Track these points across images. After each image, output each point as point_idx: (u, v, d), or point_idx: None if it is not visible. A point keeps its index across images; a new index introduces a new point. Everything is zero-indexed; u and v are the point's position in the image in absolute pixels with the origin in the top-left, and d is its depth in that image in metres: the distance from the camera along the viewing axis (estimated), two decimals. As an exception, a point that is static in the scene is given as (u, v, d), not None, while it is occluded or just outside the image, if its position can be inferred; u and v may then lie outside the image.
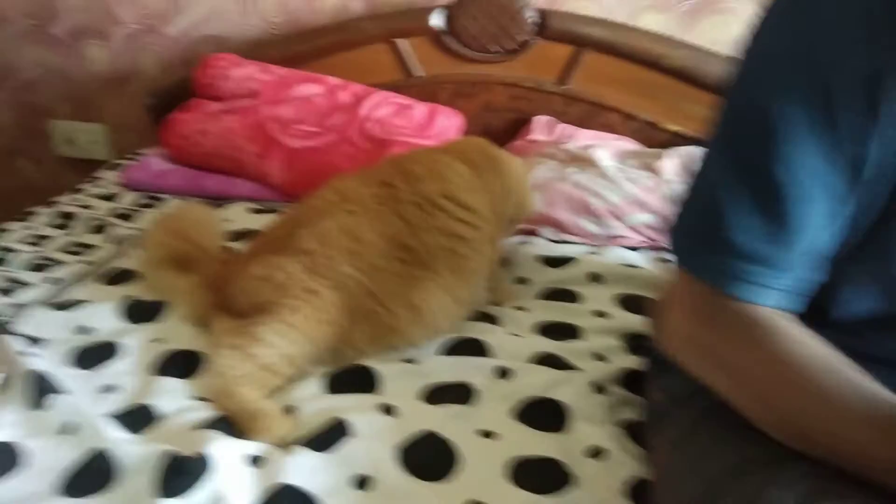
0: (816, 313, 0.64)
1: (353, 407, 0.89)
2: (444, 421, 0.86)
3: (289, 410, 0.89)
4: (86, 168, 2.19)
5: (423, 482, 0.78)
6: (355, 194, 1.06)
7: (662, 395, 0.81)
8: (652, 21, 1.72)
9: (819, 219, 0.61)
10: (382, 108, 1.64)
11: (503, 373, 0.95)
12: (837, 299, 0.65)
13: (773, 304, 0.62)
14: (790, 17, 0.61)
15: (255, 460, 0.79)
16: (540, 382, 0.93)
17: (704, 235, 0.65)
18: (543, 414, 0.88)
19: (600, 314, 1.13)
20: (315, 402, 0.91)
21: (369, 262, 1.00)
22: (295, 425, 0.87)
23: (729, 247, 0.62)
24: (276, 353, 0.92)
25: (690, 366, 0.69)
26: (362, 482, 0.77)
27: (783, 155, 0.59)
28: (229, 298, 1.04)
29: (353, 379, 0.95)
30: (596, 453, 0.81)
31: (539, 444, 0.83)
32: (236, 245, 1.30)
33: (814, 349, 0.60)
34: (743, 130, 0.63)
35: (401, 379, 0.95)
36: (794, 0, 0.62)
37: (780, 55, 0.61)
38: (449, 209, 1.06)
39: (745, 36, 0.67)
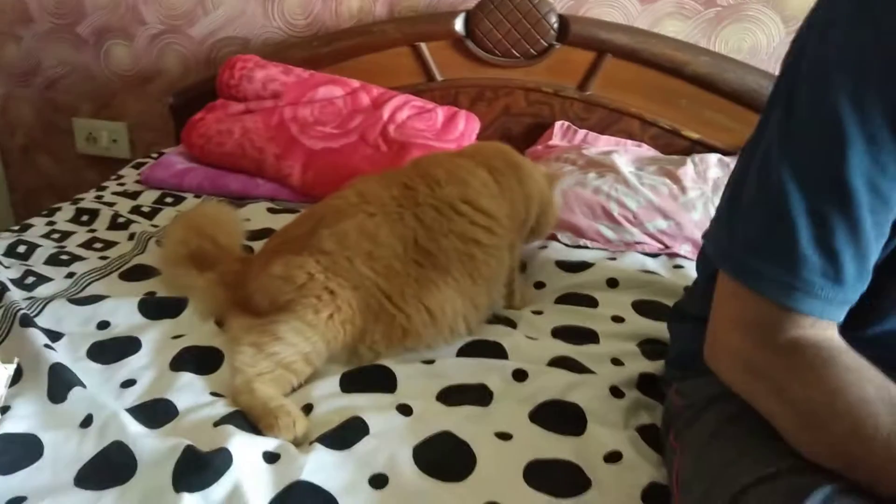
0: (853, 327, 0.63)
1: (370, 406, 0.89)
2: (461, 422, 0.86)
3: (307, 408, 0.90)
4: (106, 166, 2.22)
5: (440, 482, 0.77)
6: (376, 196, 1.06)
7: (682, 400, 0.80)
8: (674, 28, 1.72)
9: (888, 227, 0.60)
10: (403, 111, 1.65)
11: (520, 375, 0.95)
12: (878, 314, 0.64)
13: (838, 319, 0.62)
14: (857, 23, 0.59)
15: (273, 457, 0.80)
16: (557, 385, 0.92)
17: (772, 250, 0.62)
18: (560, 417, 0.87)
19: (617, 319, 1.12)
20: (333, 400, 0.91)
21: (386, 265, 1.01)
22: (312, 423, 0.87)
23: (804, 262, 0.60)
24: (295, 352, 0.93)
25: (737, 384, 0.67)
26: (379, 481, 0.77)
27: (858, 163, 0.58)
28: (248, 296, 1.04)
29: (370, 378, 0.96)
30: (612, 457, 0.81)
31: (556, 446, 0.83)
32: (255, 244, 1.31)
33: (869, 378, 0.59)
34: (814, 139, 0.61)
35: (418, 379, 0.95)
36: (861, 6, 0.60)
37: (850, 61, 0.59)
38: (468, 214, 1.06)
39: (801, 43, 0.65)
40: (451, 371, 0.97)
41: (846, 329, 0.63)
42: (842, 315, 0.62)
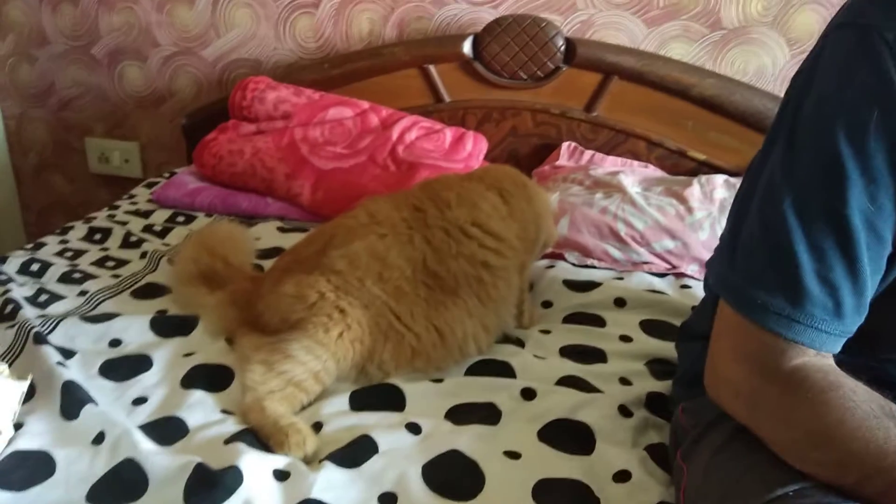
0: (862, 350, 0.65)
1: (379, 424, 0.90)
2: (470, 441, 0.86)
3: (316, 426, 0.90)
4: (118, 185, 2.24)
5: (449, 501, 0.78)
6: (386, 217, 1.07)
7: (689, 419, 0.80)
8: (680, 51, 1.74)
9: (883, 262, 0.62)
10: (412, 131, 1.67)
11: (529, 394, 0.96)
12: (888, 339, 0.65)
13: (837, 350, 0.63)
14: (855, 65, 0.61)
15: (283, 475, 0.80)
16: (565, 404, 0.93)
17: (775, 284, 0.63)
18: (569, 436, 0.88)
19: (625, 338, 1.13)
20: (342, 418, 0.92)
21: (395, 286, 1.01)
22: (322, 441, 0.87)
23: (806, 296, 0.62)
24: (305, 370, 0.94)
25: (749, 422, 0.67)
26: (388, 500, 0.78)
27: (856, 199, 0.60)
28: (258, 315, 1.05)
29: (379, 397, 0.96)
30: (621, 477, 0.81)
31: (564, 466, 0.83)
32: (265, 262, 1.32)
33: (873, 398, 0.60)
34: (815, 177, 0.62)
35: (427, 398, 0.96)
36: (858, 49, 0.61)
37: (850, 102, 0.61)
38: (477, 237, 1.07)
39: (804, 78, 0.66)
40: (459, 390, 0.98)
41: (864, 355, 0.64)
42: (839, 346, 0.64)
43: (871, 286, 0.63)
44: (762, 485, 0.62)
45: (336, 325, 0.97)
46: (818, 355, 0.64)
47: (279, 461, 0.82)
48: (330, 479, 0.79)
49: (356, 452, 0.84)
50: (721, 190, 1.50)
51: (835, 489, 0.60)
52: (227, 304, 1.11)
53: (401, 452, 0.84)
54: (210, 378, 0.99)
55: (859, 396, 0.60)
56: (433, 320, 1.02)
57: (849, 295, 0.62)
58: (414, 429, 0.89)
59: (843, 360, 0.64)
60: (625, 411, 0.92)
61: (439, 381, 1.00)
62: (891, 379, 0.64)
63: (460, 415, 0.93)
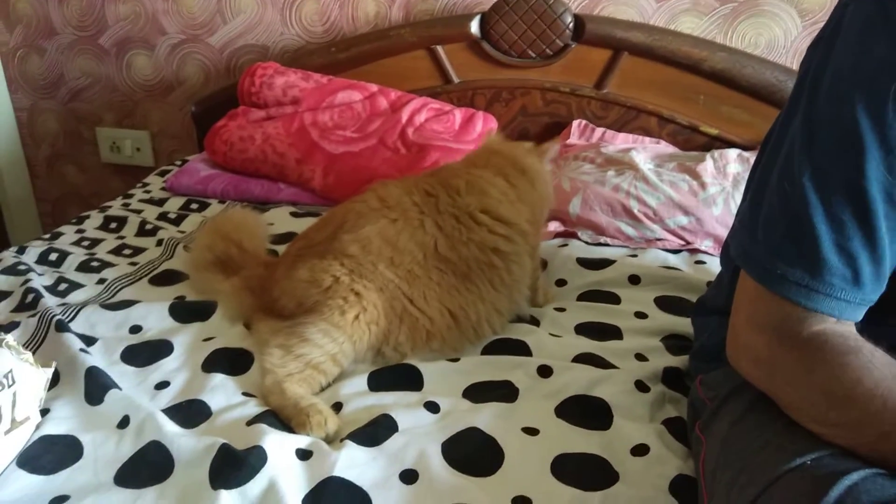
0: (883, 318, 0.65)
1: (398, 404, 0.91)
2: (488, 418, 0.87)
3: (336, 407, 0.92)
4: (130, 174, 2.26)
5: (469, 477, 0.79)
6: (397, 202, 1.08)
7: (707, 392, 0.81)
8: (690, 24, 1.72)
9: None
10: (421, 113, 1.66)
11: (545, 371, 0.96)
12: None
13: (858, 318, 0.64)
14: (871, 37, 0.61)
15: (306, 454, 0.82)
16: (582, 381, 0.93)
17: (795, 255, 0.64)
18: (586, 411, 0.89)
19: (640, 315, 1.13)
20: (361, 398, 0.93)
21: (407, 270, 1.02)
22: (342, 421, 0.89)
23: (824, 265, 0.62)
24: (322, 353, 0.95)
25: (768, 387, 0.68)
26: (409, 476, 0.79)
27: (874, 170, 0.60)
28: (273, 300, 1.06)
29: (397, 377, 0.97)
30: (639, 450, 0.82)
31: (582, 441, 0.84)
32: (279, 248, 1.33)
33: (891, 361, 0.61)
34: (833, 149, 0.63)
35: (444, 377, 0.97)
36: (873, 21, 0.61)
37: (867, 74, 0.61)
38: (487, 224, 1.07)
39: (821, 52, 0.66)
40: (476, 368, 0.98)
41: (885, 323, 0.65)
42: (860, 314, 0.65)
43: (890, 255, 0.63)
44: (780, 454, 0.63)
45: (352, 308, 0.98)
46: (838, 323, 0.64)
47: (302, 441, 0.83)
48: (352, 458, 0.80)
49: (377, 431, 0.85)
50: (734, 164, 1.49)
51: (852, 456, 0.60)
52: (243, 289, 1.12)
53: (420, 430, 0.85)
54: (230, 361, 1.01)
55: (878, 359, 0.61)
56: (446, 304, 1.03)
57: (867, 264, 0.62)
58: (432, 407, 0.90)
59: (863, 328, 0.65)
60: (641, 386, 0.93)
61: (456, 360, 1.01)
62: None
63: (478, 393, 0.93)
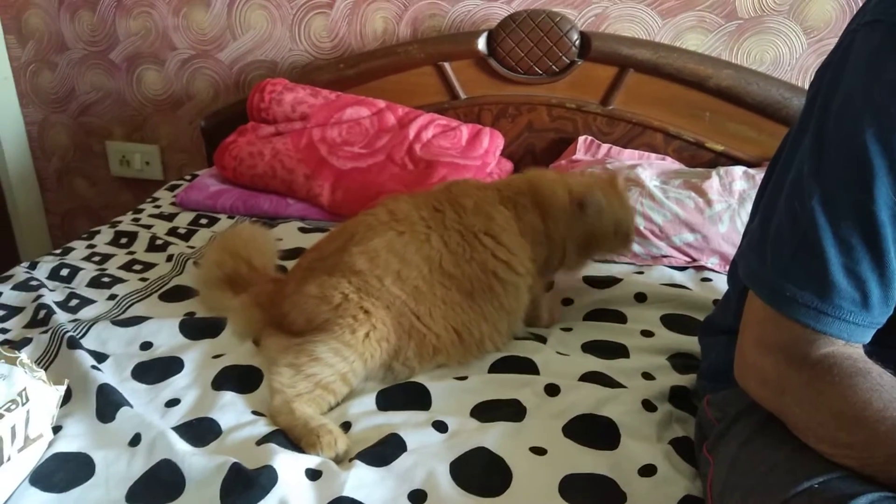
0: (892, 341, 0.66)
1: (406, 423, 0.91)
2: (496, 437, 0.88)
3: (345, 426, 0.92)
4: (140, 187, 2.28)
5: (478, 497, 0.79)
6: (405, 215, 1.09)
7: (715, 412, 0.81)
8: (696, 41, 1.74)
9: None
10: (428, 129, 1.68)
11: (553, 390, 0.97)
12: None
13: (866, 341, 0.65)
14: (879, 65, 0.62)
15: (315, 474, 0.82)
16: (589, 400, 0.94)
17: (804, 277, 0.64)
18: (594, 431, 0.89)
19: (646, 333, 1.13)
20: (370, 418, 0.93)
21: (413, 286, 1.03)
22: (351, 441, 0.89)
23: (834, 288, 0.63)
24: (333, 372, 0.95)
25: (776, 408, 0.69)
26: (418, 497, 0.79)
27: (883, 195, 0.61)
28: (283, 315, 1.07)
29: (406, 396, 0.98)
30: (647, 471, 0.82)
31: (590, 461, 0.84)
32: (288, 263, 1.34)
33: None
34: (842, 174, 0.63)
35: (452, 396, 0.97)
36: (890, 39, 0.62)
37: (876, 101, 0.61)
38: (490, 246, 1.07)
39: (831, 75, 0.67)
40: (483, 387, 0.99)
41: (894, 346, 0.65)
42: (869, 337, 0.66)
43: None
44: (789, 478, 0.63)
45: (362, 326, 0.98)
46: (846, 345, 0.65)
47: (311, 461, 0.84)
48: (361, 478, 0.81)
49: (385, 451, 0.86)
50: (740, 182, 1.49)
51: (861, 478, 0.61)
52: (252, 305, 1.13)
53: (429, 450, 0.86)
54: (240, 379, 1.01)
55: (887, 381, 0.62)
56: (451, 321, 1.04)
57: (876, 287, 0.63)
58: (441, 427, 0.91)
59: (872, 350, 0.65)
60: (649, 406, 0.93)
61: (463, 378, 1.02)
62: None
63: (486, 412, 0.94)
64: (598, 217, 1.14)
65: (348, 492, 0.79)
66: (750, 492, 0.66)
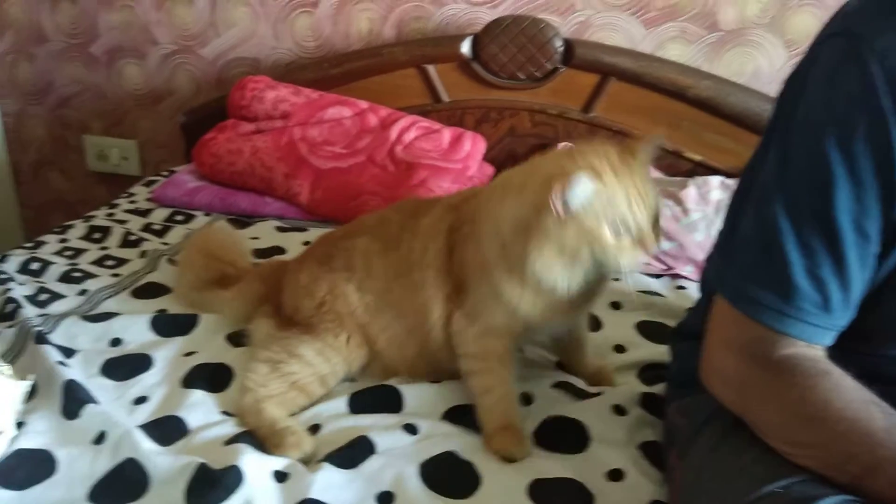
0: (854, 345, 0.67)
1: (376, 426, 0.91)
2: (467, 441, 0.88)
3: (314, 428, 0.91)
4: (116, 183, 2.25)
5: (446, 499, 0.79)
6: (386, 219, 1.04)
7: (683, 417, 0.82)
8: (677, 52, 1.75)
9: (871, 259, 0.64)
10: (410, 131, 1.67)
11: (524, 396, 0.97)
12: (892, 332, 0.68)
13: (828, 343, 0.66)
14: (840, 78, 0.64)
15: (282, 476, 0.81)
16: (559, 404, 0.94)
17: (767, 279, 0.66)
18: (563, 435, 0.89)
19: (619, 340, 1.14)
20: (340, 420, 0.93)
21: (367, 302, 0.99)
22: (320, 442, 0.88)
23: (796, 291, 0.65)
24: (312, 373, 0.94)
25: (739, 408, 0.70)
26: (386, 499, 0.79)
27: (843, 201, 0.63)
28: (280, 292, 1.07)
29: (378, 398, 0.97)
30: (615, 475, 0.83)
31: (559, 465, 0.84)
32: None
33: (859, 386, 0.63)
34: (805, 180, 0.65)
35: (424, 399, 0.97)
36: (851, 52, 0.63)
37: (838, 111, 0.63)
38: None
39: (797, 86, 0.69)
40: (457, 391, 0.98)
41: (856, 351, 0.67)
42: (830, 339, 0.67)
43: (859, 282, 0.65)
44: (753, 482, 0.64)
45: (343, 329, 0.97)
46: (808, 347, 0.66)
47: (279, 462, 0.83)
48: (328, 480, 0.80)
49: (354, 453, 0.85)
50: (717, 191, 1.51)
51: (823, 482, 0.62)
52: (256, 279, 1.12)
53: (398, 452, 0.86)
54: (210, 378, 1.00)
55: (847, 382, 0.63)
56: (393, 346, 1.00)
57: (837, 290, 0.65)
58: (411, 429, 0.90)
59: (834, 355, 0.67)
60: (619, 410, 0.94)
61: (436, 382, 1.01)
62: (881, 373, 0.66)
63: (457, 416, 0.94)
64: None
65: (315, 493, 0.78)
66: (715, 496, 0.66)
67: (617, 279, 0.92)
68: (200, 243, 1.23)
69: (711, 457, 0.72)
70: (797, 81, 0.70)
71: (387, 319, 0.99)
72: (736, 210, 0.76)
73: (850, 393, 0.63)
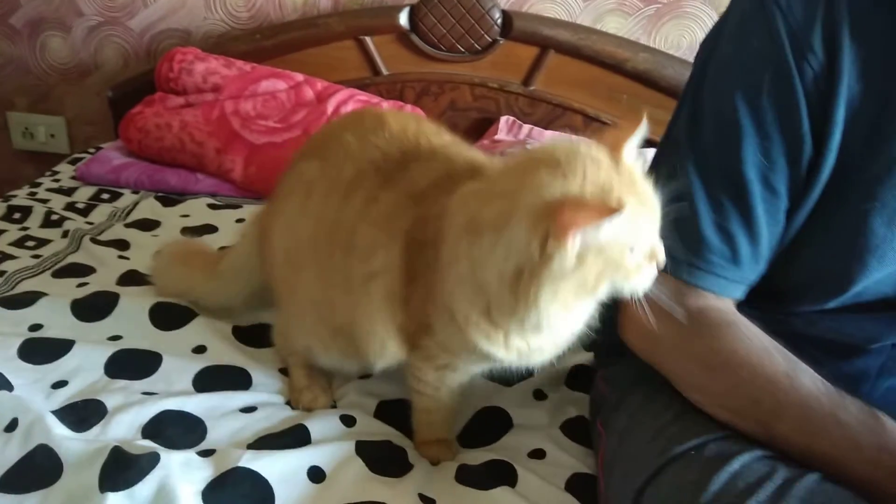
0: (768, 305, 0.69)
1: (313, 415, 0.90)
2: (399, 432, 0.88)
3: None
4: (43, 161, 2.15)
5: (378, 477, 0.79)
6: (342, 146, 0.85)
7: (607, 386, 0.83)
8: (615, 25, 1.75)
9: (780, 215, 0.66)
10: (348, 105, 1.64)
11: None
12: (803, 290, 0.69)
13: (738, 296, 0.68)
14: (745, 33, 0.65)
15: (207, 452, 0.79)
16: (484, 394, 0.95)
17: (680, 235, 0.67)
18: (487, 423, 0.91)
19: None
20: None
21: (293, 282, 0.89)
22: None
23: (705, 244, 0.66)
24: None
25: (653, 359, 0.72)
26: (318, 474, 0.78)
27: (751, 155, 0.64)
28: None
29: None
30: (537, 454, 0.84)
31: (484, 452, 0.86)
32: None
33: (765, 335, 0.66)
34: (714, 136, 0.66)
35: (357, 393, 0.96)
36: (746, 19, 0.65)
37: (744, 67, 0.64)
38: None
39: (709, 46, 0.70)
40: (386, 386, 0.96)
41: (770, 310, 0.68)
42: (740, 292, 0.69)
43: (768, 236, 0.67)
44: (670, 442, 0.65)
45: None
46: (718, 299, 0.68)
47: (202, 444, 0.81)
48: (258, 454, 0.78)
49: (286, 440, 0.84)
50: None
51: (737, 439, 0.63)
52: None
53: (333, 436, 0.85)
54: (133, 362, 0.96)
55: (752, 331, 0.66)
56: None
57: (745, 244, 0.66)
58: (348, 421, 0.89)
59: (751, 314, 0.68)
60: (539, 395, 0.96)
61: (368, 377, 0.98)
62: (795, 332, 0.68)
63: (388, 410, 0.93)
64: None
65: (244, 463, 0.76)
66: (633, 459, 0.68)
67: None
68: (171, 249, 1.17)
69: (633, 422, 0.73)
70: (711, 41, 0.70)
71: (308, 291, 0.84)
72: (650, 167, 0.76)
73: (753, 341, 0.65)
